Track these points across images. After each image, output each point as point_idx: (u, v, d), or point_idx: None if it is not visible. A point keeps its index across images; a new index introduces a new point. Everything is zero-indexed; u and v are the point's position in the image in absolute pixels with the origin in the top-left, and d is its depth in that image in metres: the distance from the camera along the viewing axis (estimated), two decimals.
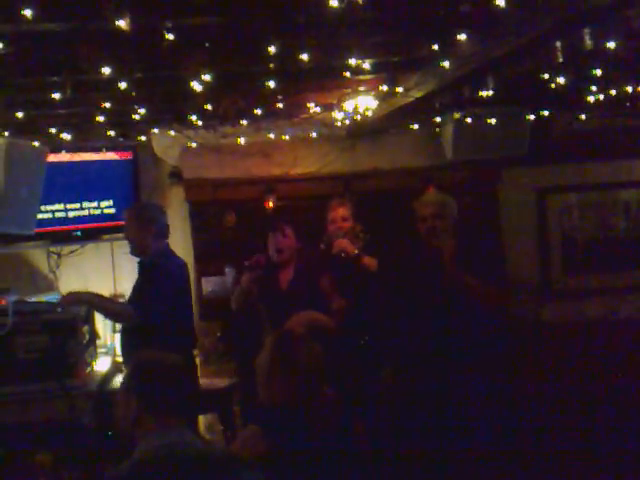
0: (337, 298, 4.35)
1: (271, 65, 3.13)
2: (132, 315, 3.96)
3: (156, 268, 4.09)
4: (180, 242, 5.37)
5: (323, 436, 2.65)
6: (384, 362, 4.33)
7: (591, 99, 4.54)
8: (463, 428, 3.83)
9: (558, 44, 3.22)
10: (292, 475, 2.52)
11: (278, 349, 2.74)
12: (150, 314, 3.92)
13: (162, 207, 4.40)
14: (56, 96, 3.29)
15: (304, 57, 2.91)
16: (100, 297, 4.21)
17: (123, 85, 3.03)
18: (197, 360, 5.24)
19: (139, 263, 4.19)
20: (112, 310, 4.18)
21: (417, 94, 3.85)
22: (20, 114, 3.65)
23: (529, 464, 4.40)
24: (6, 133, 4.14)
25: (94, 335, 4.62)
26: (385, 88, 3.84)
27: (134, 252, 4.22)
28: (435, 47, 3.02)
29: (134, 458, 2.13)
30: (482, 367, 3.86)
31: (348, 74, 3.40)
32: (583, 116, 5.35)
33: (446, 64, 3.20)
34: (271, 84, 3.36)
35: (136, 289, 4.14)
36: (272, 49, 2.74)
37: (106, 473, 2.18)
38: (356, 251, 4.38)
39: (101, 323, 5.00)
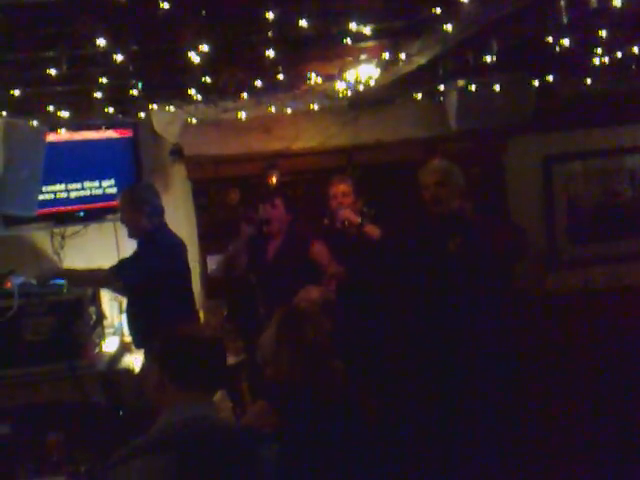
0: (333, 264, 4.37)
1: (270, 33, 3.07)
2: (110, 276, 3.99)
3: (146, 243, 4.14)
4: (183, 221, 5.34)
5: (332, 410, 2.63)
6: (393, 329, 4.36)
7: (596, 61, 4.45)
8: (474, 397, 3.82)
9: (562, 3, 3.15)
10: (303, 450, 2.50)
11: (284, 325, 2.72)
12: (126, 277, 3.97)
13: (154, 188, 4.38)
14: (52, 72, 3.23)
15: (303, 23, 2.85)
16: (76, 270, 4.29)
17: (119, 58, 2.97)
18: None
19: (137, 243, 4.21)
20: (89, 276, 4.19)
21: (420, 60, 3.78)
22: (16, 92, 3.58)
23: (535, 431, 4.40)
24: (3, 113, 4.09)
25: (101, 315, 4.61)
26: (387, 55, 3.76)
27: (131, 234, 4.23)
28: (437, 10, 2.95)
29: (155, 429, 2.12)
30: (494, 332, 3.85)
31: (349, 41, 3.33)
32: (589, 80, 5.26)
33: (449, 27, 3.13)
34: (271, 54, 3.29)
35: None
36: (270, 15, 2.67)
37: (128, 443, 2.15)
38: (359, 220, 4.38)
39: (108, 304, 4.98)
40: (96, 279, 4.19)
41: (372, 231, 4.38)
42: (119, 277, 3.97)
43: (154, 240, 4.12)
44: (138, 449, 2.05)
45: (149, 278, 3.97)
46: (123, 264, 4.09)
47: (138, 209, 4.12)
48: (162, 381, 2.19)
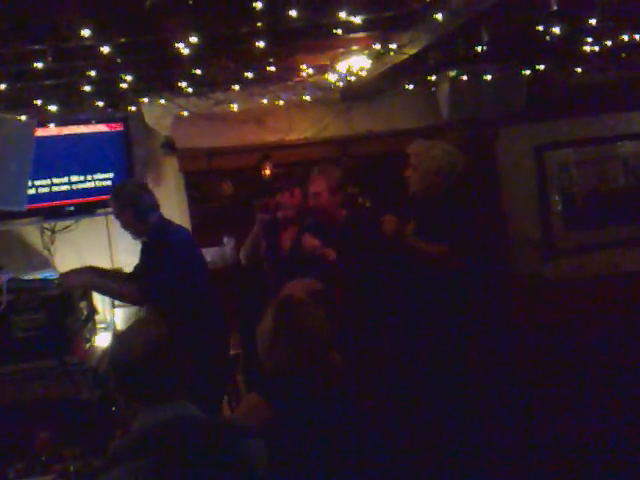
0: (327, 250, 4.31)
1: (259, 24, 3.03)
2: (136, 296, 3.80)
3: (156, 244, 3.91)
4: (176, 214, 5.30)
5: (328, 404, 2.60)
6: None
7: (587, 50, 4.44)
8: (462, 393, 3.79)
9: None
10: (297, 444, 2.48)
11: (281, 315, 2.68)
12: (154, 292, 3.74)
13: (140, 182, 4.24)
14: (39, 66, 3.19)
15: (293, 13, 2.82)
16: (102, 275, 4.03)
17: (106, 50, 2.93)
18: None
19: (142, 243, 4.03)
20: (116, 291, 3.97)
21: (411, 51, 3.76)
22: (2, 86, 3.54)
23: (530, 421, 4.41)
24: None
25: (93, 311, 4.57)
26: (378, 46, 3.74)
27: (134, 235, 4.04)
28: None
29: (132, 435, 2.07)
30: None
31: (340, 32, 3.30)
32: (579, 69, 5.25)
33: (439, 17, 3.10)
34: (260, 44, 3.26)
35: (140, 267, 4.00)
36: (259, 5, 2.64)
37: (107, 448, 2.11)
38: (317, 243, 4.19)
39: (100, 299, 4.94)
40: (121, 294, 3.95)
41: (328, 254, 4.24)
42: (146, 299, 3.78)
43: (159, 243, 3.89)
44: (117, 456, 1.99)
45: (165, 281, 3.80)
46: (146, 283, 3.80)
47: (126, 207, 3.90)
48: (127, 402, 2.12)
